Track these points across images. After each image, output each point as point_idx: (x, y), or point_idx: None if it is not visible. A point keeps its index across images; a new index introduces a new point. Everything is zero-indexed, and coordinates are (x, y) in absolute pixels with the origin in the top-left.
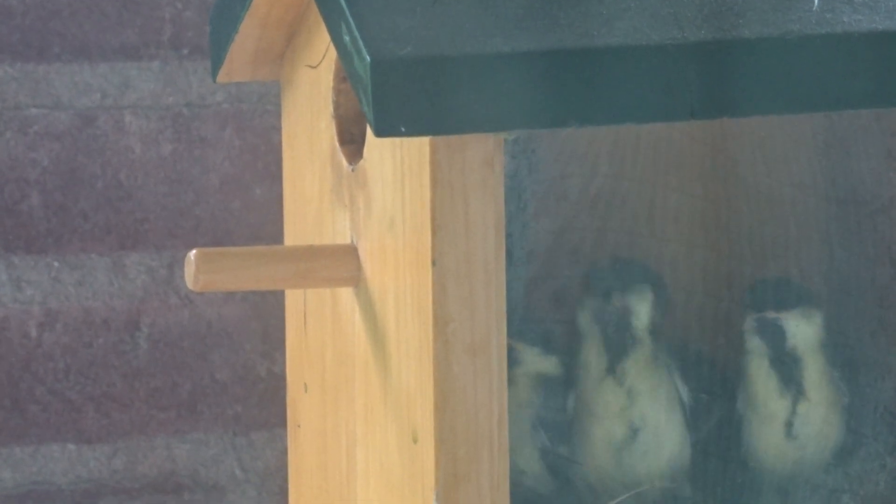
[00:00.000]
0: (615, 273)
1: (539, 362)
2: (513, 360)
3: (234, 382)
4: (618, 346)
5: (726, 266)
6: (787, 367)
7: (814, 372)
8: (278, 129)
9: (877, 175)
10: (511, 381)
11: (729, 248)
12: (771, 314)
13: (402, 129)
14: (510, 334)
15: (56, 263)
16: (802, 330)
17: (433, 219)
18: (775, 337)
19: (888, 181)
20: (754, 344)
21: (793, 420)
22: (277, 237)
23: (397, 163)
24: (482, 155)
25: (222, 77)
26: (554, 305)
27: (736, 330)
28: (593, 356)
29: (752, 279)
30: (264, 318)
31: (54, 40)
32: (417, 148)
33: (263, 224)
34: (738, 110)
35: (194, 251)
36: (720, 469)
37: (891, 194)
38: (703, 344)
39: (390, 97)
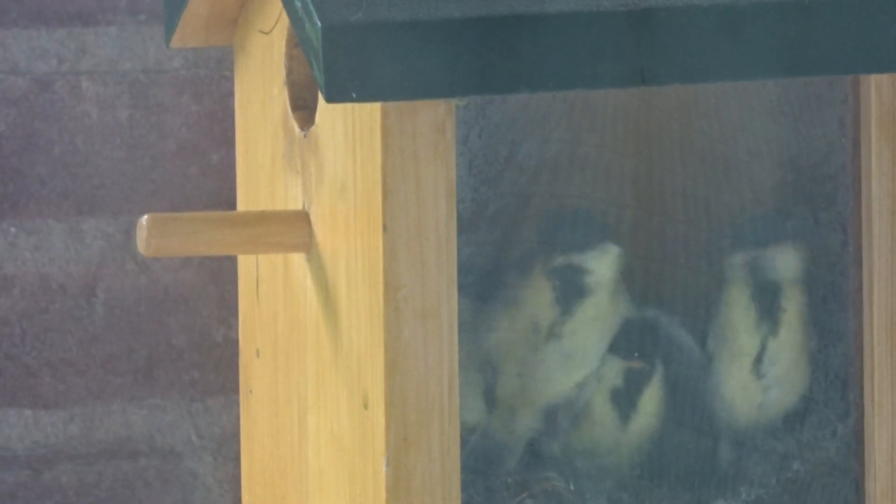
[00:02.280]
0: (574, 234)
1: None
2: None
3: (191, 348)
4: (571, 305)
5: (683, 231)
6: (765, 300)
7: (791, 307)
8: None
9: (829, 142)
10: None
11: (685, 214)
12: (753, 250)
13: (354, 95)
14: (465, 299)
15: (13, 229)
16: (785, 262)
17: (384, 184)
18: (757, 271)
19: (840, 148)
20: (736, 275)
21: (762, 356)
22: (234, 203)
23: (349, 128)
24: (433, 121)
25: (176, 42)
26: (514, 270)
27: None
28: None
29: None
30: (221, 283)
31: (11, 5)
32: (369, 114)
33: (220, 190)
34: (690, 77)
35: (146, 216)
36: (676, 436)
37: (842, 161)
38: (660, 312)
39: (341, 63)
